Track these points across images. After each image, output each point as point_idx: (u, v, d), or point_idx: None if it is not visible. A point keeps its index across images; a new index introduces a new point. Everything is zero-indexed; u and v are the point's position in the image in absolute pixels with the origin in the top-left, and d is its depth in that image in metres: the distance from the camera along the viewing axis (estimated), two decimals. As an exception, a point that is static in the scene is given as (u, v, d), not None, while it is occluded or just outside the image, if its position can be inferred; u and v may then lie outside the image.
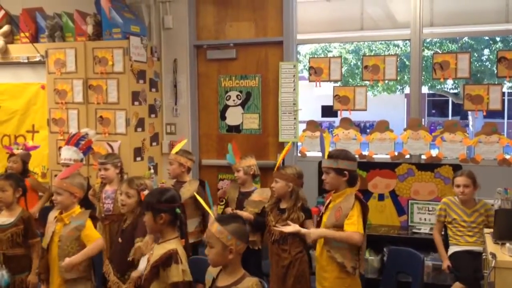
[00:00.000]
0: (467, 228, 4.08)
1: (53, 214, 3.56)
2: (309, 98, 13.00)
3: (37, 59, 5.43)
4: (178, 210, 2.80)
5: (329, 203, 3.41)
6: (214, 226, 2.48)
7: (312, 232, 3.31)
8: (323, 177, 3.37)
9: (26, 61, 5.52)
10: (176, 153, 4.48)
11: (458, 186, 4.10)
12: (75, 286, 3.40)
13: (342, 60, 5.41)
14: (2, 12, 5.59)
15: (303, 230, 3.42)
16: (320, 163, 3.79)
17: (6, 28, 5.63)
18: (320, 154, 4.90)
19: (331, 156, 3.34)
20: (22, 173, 4.84)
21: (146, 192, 3.27)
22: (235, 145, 4.58)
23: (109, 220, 4.21)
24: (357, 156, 5.02)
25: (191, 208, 4.21)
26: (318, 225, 3.53)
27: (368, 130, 6.88)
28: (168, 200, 2.81)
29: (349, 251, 3.23)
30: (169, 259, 2.64)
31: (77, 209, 3.50)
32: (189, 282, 2.67)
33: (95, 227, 3.70)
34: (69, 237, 3.39)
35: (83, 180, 3.66)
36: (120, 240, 3.50)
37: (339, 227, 3.20)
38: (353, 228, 3.15)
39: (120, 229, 3.54)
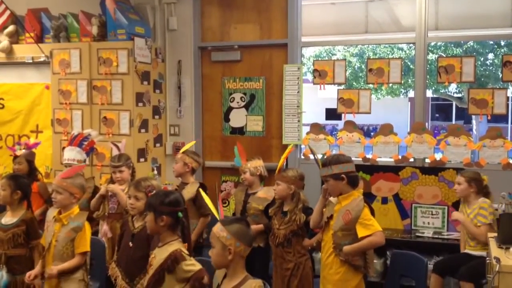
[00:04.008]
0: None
1: (51, 213, 3.52)
2: (313, 100, 13.00)
3: (42, 59, 5.45)
4: (180, 214, 2.79)
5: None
6: (216, 226, 2.50)
7: (345, 249, 3.21)
8: (324, 186, 3.38)
9: (30, 61, 5.54)
10: (184, 152, 4.45)
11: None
12: (69, 286, 3.33)
13: (346, 63, 5.40)
14: (8, 12, 5.59)
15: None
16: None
17: (11, 28, 5.65)
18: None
19: (324, 164, 3.34)
20: (30, 173, 4.75)
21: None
22: (241, 146, 4.56)
23: (111, 218, 4.23)
24: (360, 159, 5.02)
25: (190, 210, 4.17)
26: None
27: (372, 133, 6.85)
28: (172, 203, 2.79)
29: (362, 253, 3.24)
30: (174, 261, 2.63)
31: (75, 209, 3.46)
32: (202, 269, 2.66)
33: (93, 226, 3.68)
34: (66, 239, 3.35)
35: (84, 182, 3.62)
36: (130, 244, 3.34)
37: (347, 230, 3.19)
38: (371, 229, 3.15)
39: (131, 233, 3.37)
